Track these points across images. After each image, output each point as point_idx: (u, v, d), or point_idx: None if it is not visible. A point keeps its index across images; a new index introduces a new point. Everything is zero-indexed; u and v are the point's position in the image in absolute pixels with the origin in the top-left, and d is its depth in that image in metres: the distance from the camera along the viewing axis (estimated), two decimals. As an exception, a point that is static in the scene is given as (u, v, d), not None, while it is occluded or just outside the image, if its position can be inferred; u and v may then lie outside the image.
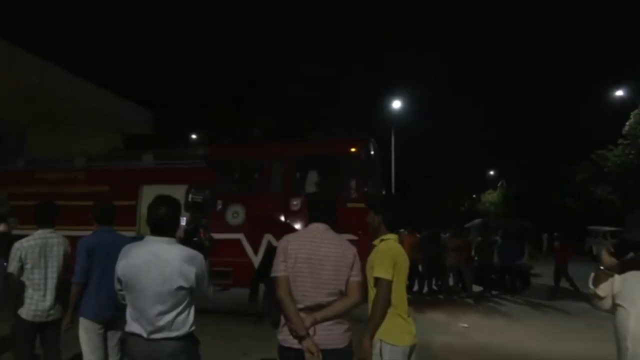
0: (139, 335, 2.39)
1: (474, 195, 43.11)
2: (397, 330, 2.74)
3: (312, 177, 7.54)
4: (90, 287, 3.53)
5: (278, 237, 6.32)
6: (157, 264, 2.41)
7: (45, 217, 3.80)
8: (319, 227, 2.70)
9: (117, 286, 2.57)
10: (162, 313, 2.38)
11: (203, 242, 4.07)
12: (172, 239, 2.55)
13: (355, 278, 2.60)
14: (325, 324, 2.51)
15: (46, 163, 9.17)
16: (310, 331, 2.46)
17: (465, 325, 7.62)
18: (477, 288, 10.76)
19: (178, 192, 7.22)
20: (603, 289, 2.37)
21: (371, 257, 2.87)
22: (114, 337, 3.65)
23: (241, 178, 8.36)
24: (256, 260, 7.33)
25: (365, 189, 7.34)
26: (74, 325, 3.59)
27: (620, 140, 23.64)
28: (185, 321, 2.44)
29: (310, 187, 7.38)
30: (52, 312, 3.65)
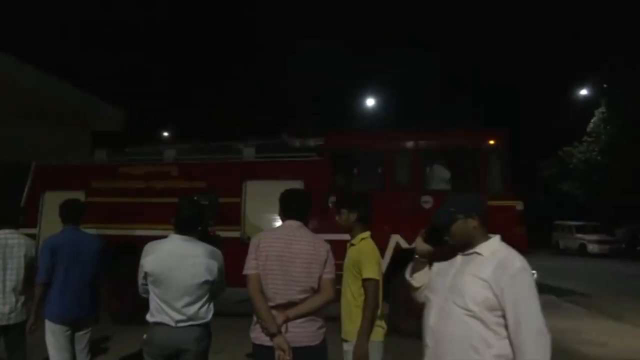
0: (167, 325, 2.64)
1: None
2: (375, 327, 2.80)
3: (444, 171, 6.83)
4: (55, 287, 3.43)
5: (407, 238, 6.32)
6: (186, 260, 2.69)
7: (4, 217, 3.66)
8: (292, 224, 2.70)
9: (142, 281, 2.76)
10: (189, 304, 2.67)
11: (218, 240, 4.20)
12: (194, 238, 2.81)
13: (328, 275, 2.61)
14: (298, 321, 2.51)
15: (130, 156, 8.22)
16: (283, 328, 2.46)
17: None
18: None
19: (286, 187, 6.52)
20: (418, 279, 2.18)
21: (354, 256, 2.91)
22: (81, 338, 3.58)
23: (362, 172, 7.48)
24: (382, 262, 6.62)
25: (509, 185, 6.66)
26: (41, 327, 3.48)
27: (584, 138, 24.45)
28: (207, 310, 2.76)
29: (443, 183, 6.77)
30: (12, 315, 3.51)
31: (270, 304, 2.53)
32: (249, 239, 6.23)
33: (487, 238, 2.02)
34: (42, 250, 3.49)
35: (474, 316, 1.86)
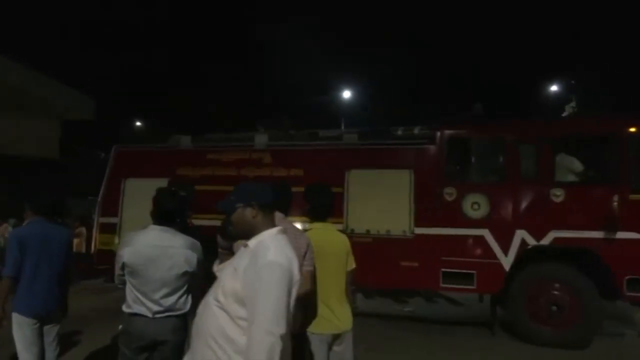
0: (144, 316, 2.64)
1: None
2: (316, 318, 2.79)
3: (576, 162, 6.24)
4: (23, 280, 3.35)
5: (535, 234, 5.96)
6: (165, 251, 2.69)
7: None
8: (276, 216, 2.72)
9: (119, 271, 2.75)
10: (167, 295, 2.68)
11: (196, 231, 4.20)
12: (173, 229, 2.81)
13: (307, 268, 2.62)
14: None
15: (218, 142, 7.69)
16: None
17: (411, 309, 7.89)
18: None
19: (394, 177, 6.38)
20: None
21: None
22: (50, 331, 3.50)
23: (482, 162, 6.74)
24: (506, 261, 5.98)
25: None
26: (9, 321, 3.38)
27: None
28: (185, 302, 2.77)
29: (574, 175, 6.24)
30: None
31: None
32: (352, 232, 6.30)
33: (268, 229, 1.92)
34: (10, 242, 3.40)
35: (222, 308, 1.76)
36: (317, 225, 2.99)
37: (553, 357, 5.50)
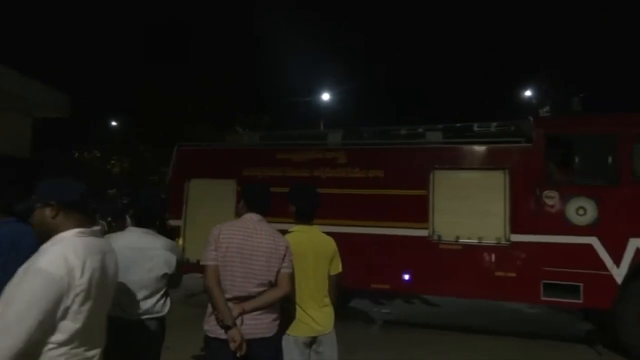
0: (121, 318, 2.51)
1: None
2: (291, 320, 2.79)
3: None
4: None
5: None
6: (144, 253, 2.65)
7: None
8: (252, 218, 2.69)
9: None
10: (146, 297, 2.63)
11: (172, 232, 4.20)
12: (153, 231, 2.80)
13: (286, 270, 2.61)
14: (254, 313, 2.51)
15: (288, 139, 7.10)
16: (238, 321, 2.45)
17: (388, 311, 7.93)
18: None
19: (486, 178, 5.79)
20: None
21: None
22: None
23: (588, 161, 5.99)
24: (618, 273, 5.35)
25: None
26: None
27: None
28: (164, 304, 2.73)
29: None
30: None
31: (227, 296, 2.50)
32: (439, 239, 5.92)
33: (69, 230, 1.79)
34: None
35: None
36: (300, 227, 2.94)
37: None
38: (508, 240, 5.73)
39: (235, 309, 2.46)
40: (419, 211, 5.98)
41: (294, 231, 2.93)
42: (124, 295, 2.58)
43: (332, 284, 2.96)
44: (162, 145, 17.47)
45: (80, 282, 1.68)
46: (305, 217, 2.97)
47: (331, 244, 3.00)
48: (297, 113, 23.29)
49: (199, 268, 6.02)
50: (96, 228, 1.91)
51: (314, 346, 2.84)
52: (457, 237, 5.89)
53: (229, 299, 2.49)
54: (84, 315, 1.69)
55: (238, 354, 2.39)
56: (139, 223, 2.81)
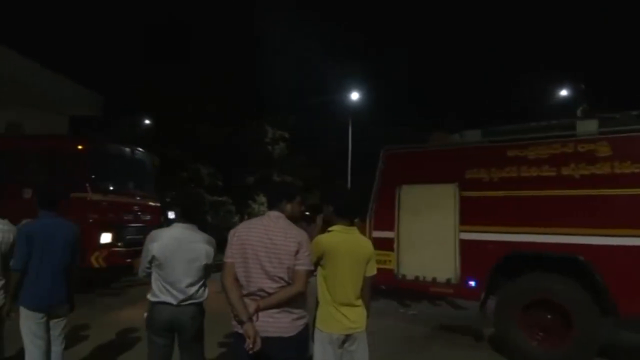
0: (169, 303, 2.92)
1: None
2: (325, 318, 2.86)
3: None
4: (30, 274, 3.38)
5: None
6: (188, 245, 2.99)
7: None
8: (271, 215, 2.74)
9: (147, 264, 3.01)
10: (191, 285, 2.97)
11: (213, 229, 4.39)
12: (195, 226, 3.11)
13: (301, 267, 2.61)
14: (271, 311, 2.54)
15: (519, 133, 5.81)
16: (254, 317, 2.50)
17: (415, 312, 7.86)
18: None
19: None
20: None
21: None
22: (56, 326, 3.54)
23: None
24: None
25: None
26: (17, 313, 3.43)
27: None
28: (204, 291, 3.06)
29: None
30: None
31: (243, 292, 2.57)
32: None
33: None
34: (19, 237, 3.45)
35: None
36: (339, 227, 2.97)
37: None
38: None
39: (251, 305, 2.52)
40: None
41: (332, 231, 2.96)
42: (171, 282, 2.95)
43: (366, 286, 2.98)
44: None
45: None
46: (343, 217, 3.00)
47: (368, 246, 3.06)
48: (324, 113, 23.33)
49: (417, 285, 5.90)
50: None
51: (346, 344, 2.88)
52: None
53: (245, 295, 2.57)
54: None
55: (251, 350, 2.42)
56: (182, 219, 3.09)
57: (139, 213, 8.98)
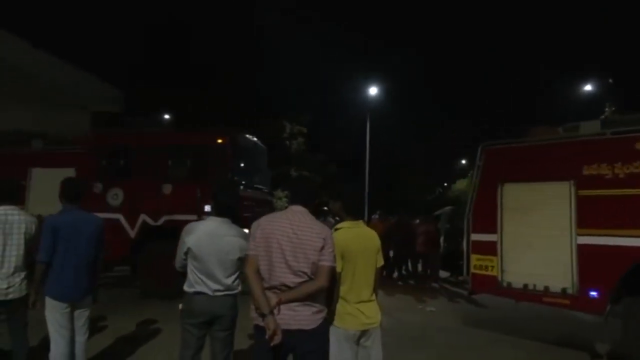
0: (205, 294, 3.01)
1: (445, 184, 43.95)
2: (341, 314, 2.85)
3: None
4: (55, 266, 3.47)
5: None
6: (223, 238, 3.07)
7: (5, 193, 3.64)
8: (295, 210, 2.74)
9: (183, 256, 3.09)
10: (227, 276, 3.06)
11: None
12: (229, 220, 3.17)
13: (325, 263, 2.62)
14: (291, 304, 2.55)
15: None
16: (275, 311, 2.51)
17: (433, 309, 7.82)
18: (445, 274, 11.00)
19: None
20: None
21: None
22: (80, 316, 3.62)
23: None
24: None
25: None
26: (42, 303, 3.51)
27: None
28: (238, 282, 3.13)
29: None
30: (10, 290, 3.50)
31: (265, 285, 2.58)
32: None
33: None
34: (45, 229, 3.51)
35: None
36: (348, 223, 3.00)
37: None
38: None
39: (273, 298, 2.53)
40: None
41: (342, 227, 2.97)
42: (208, 274, 3.04)
43: (377, 277, 3.02)
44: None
45: None
46: (351, 214, 3.05)
47: (375, 237, 3.09)
48: (342, 109, 23.23)
49: (526, 295, 5.37)
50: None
51: (362, 340, 2.89)
52: None
53: (267, 288, 2.58)
54: None
55: (272, 342, 2.45)
56: (218, 213, 3.16)
57: (258, 208, 8.52)
